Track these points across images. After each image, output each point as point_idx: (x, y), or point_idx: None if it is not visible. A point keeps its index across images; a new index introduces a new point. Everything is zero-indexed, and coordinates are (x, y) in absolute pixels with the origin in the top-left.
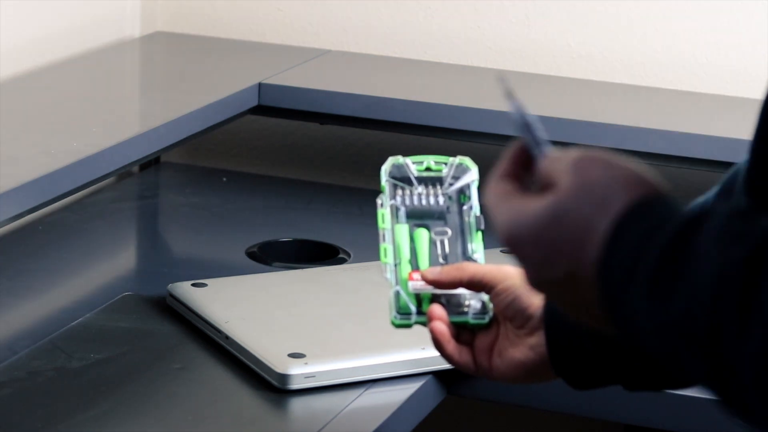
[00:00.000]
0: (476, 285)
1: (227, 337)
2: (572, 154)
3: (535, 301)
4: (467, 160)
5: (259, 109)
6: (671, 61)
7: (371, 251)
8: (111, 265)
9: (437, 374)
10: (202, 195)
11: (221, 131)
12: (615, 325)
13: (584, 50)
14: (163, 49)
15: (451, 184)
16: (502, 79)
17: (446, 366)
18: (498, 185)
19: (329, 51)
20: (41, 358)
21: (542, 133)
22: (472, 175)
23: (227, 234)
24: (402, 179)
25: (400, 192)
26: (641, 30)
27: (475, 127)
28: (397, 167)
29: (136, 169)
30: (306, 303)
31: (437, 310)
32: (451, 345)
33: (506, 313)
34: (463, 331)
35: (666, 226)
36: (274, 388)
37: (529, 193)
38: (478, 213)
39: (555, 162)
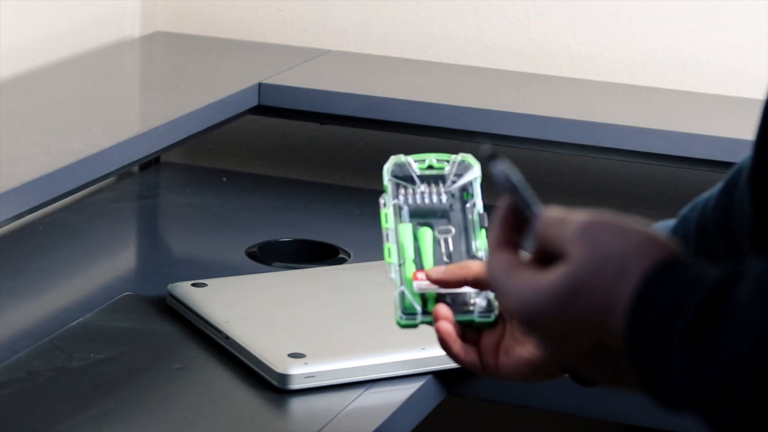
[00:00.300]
0: (481, 283)
1: (227, 337)
2: (577, 218)
3: None
4: (469, 157)
5: (259, 109)
6: (671, 61)
7: (371, 251)
8: (111, 265)
9: (437, 374)
10: (202, 195)
11: (221, 131)
12: (649, 391)
13: (584, 50)
14: (163, 49)
15: (453, 182)
16: (485, 146)
17: (446, 366)
18: (499, 257)
19: (329, 51)
20: (41, 358)
21: (530, 193)
22: (475, 172)
23: (227, 234)
24: (404, 178)
25: (402, 191)
26: (641, 30)
27: (475, 127)
28: (399, 166)
29: (136, 169)
30: (306, 303)
31: (443, 309)
32: (457, 344)
33: (511, 311)
34: (468, 330)
35: (696, 289)
36: (274, 388)
37: (536, 265)
38: (481, 210)
39: (558, 227)
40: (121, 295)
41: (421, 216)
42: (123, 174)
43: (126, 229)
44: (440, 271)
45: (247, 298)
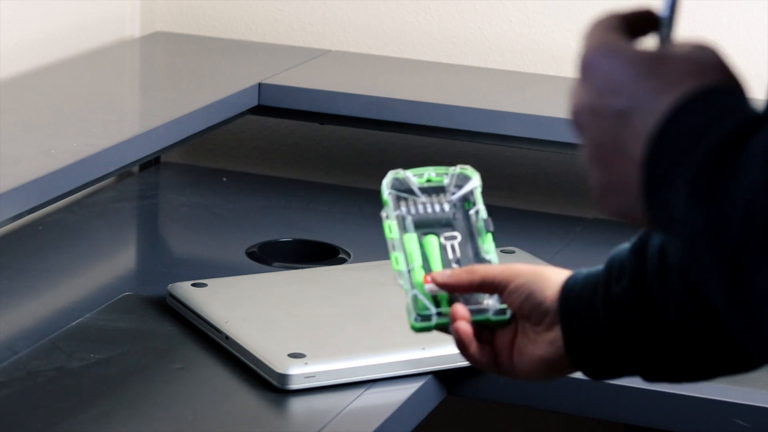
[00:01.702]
0: (488, 286)
1: (227, 337)
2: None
3: (549, 294)
4: (468, 169)
5: (259, 109)
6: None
7: (371, 251)
8: (111, 265)
9: (437, 374)
10: (202, 195)
11: (221, 131)
12: (648, 201)
13: None
14: (163, 49)
15: (453, 193)
16: None
17: (446, 366)
18: (603, 20)
19: (329, 51)
20: (41, 358)
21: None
22: (475, 182)
23: (227, 234)
24: (404, 191)
25: (404, 203)
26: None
27: (475, 127)
28: (398, 180)
29: (136, 169)
30: (306, 303)
31: (460, 309)
32: (474, 345)
33: (522, 311)
34: (483, 330)
35: (725, 120)
36: (274, 388)
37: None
38: (485, 216)
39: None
40: (121, 295)
41: (425, 226)
42: (123, 174)
43: (126, 229)
44: (446, 275)
45: (247, 298)
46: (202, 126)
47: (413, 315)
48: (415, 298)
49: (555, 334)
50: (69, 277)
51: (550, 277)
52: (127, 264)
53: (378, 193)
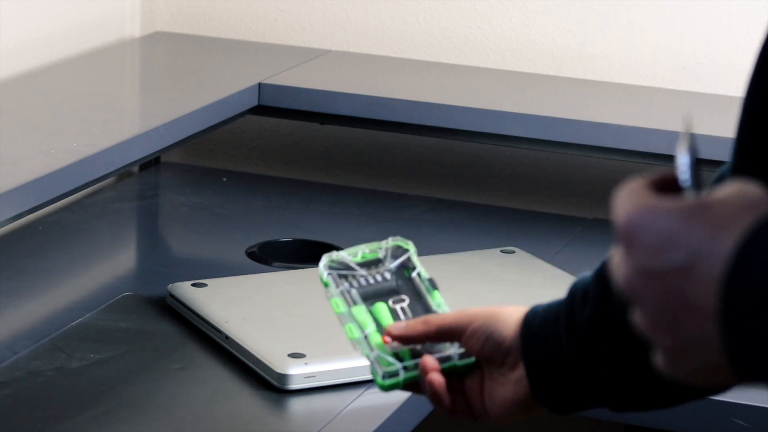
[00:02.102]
0: (445, 335)
1: (227, 337)
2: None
3: (507, 333)
4: (400, 240)
5: (259, 109)
6: (671, 61)
7: None
8: (111, 265)
9: None
10: (202, 195)
11: (221, 131)
12: (731, 345)
13: (584, 50)
14: (163, 49)
15: (391, 262)
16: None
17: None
18: (630, 186)
19: (329, 51)
20: (41, 358)
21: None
22: (410, 251)
23: (227, 234)
24: (342, 269)
25: (344, 280)
26: (641, 30)
27: (475, 127)
28: (334, 261)
29: (136, 169)
30: (306, 303)
31: (429, 360)
32: (447, 396)
33: (483, 354)
34: (451, 380)
35: None
36: (274, 388)
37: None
38: (428, 276)
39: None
40: (121, 295)
41: (371, 297)
42: (123, 174)
43: (126, 229)
44: (401, 326)
45: (247, 298)
46: (202, 126)
47: (380, 374)
48: (378, 358)
49: (519, 372)
50: (69, 277)
51: (506, 316)
52: (127, 264)
53: (378, 194)
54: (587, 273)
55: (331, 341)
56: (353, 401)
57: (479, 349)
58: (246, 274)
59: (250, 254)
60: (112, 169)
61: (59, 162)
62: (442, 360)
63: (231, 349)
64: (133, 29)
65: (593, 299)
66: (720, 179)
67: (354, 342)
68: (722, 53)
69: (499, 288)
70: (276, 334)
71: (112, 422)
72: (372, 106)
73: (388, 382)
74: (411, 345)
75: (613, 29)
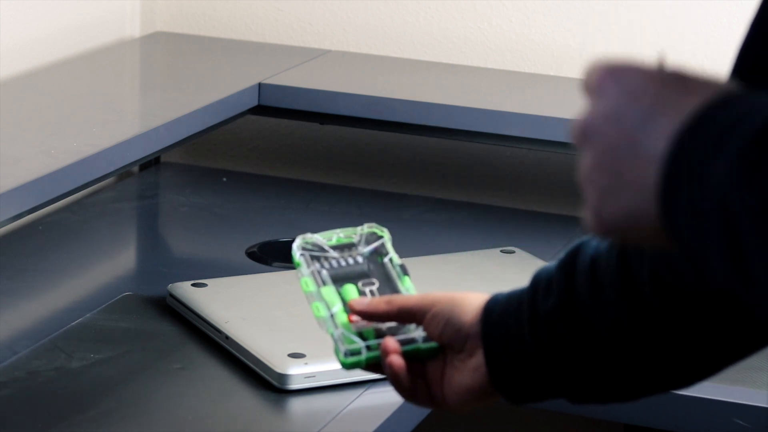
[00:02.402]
0: (407, 316)
1: (227, 337)
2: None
3: (467, 319)
4: (375, 227)
5: (259, 109)
6: (671, 60)
7: None
8: (111, 265)
9: None
10: (202, 195)
11: (221, 131)
12: (666, 193)
13: (584, 50)
14: (163, 49)
15: (365, 247)
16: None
17: None
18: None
19: (329, 51)
20: (41, 358)
21: None
22: (385, 237)
23: (227, 234)
24: (315, 251)
25: (316, 261)
26: (641, 30)
27: (475, 127)
28: (308, 243)
29: (136, 169)
30: (306, 303)
31: (390, 342)
32: (407, 379)
33: (443, 339)
34: (414, 364)
35: (762, 111)
36: (274, 388)
37: None
38: (400, 262)
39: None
40: (121, 295)
41: (341, 280)
42: (123, 174)
43: (126, 229)
44: (365, 302)
45: (247, 298)
46: (202, 126)
47: (342, 351)
48: (342, 336)
49: (478, 359)
50: (69, 277)
51: (467, 302)
52: (127, 264)
53: (378, 194)
54: (550, 264)
55: (331, 341)
56: (353, 401)
57: (439, 334)
58: (246, 274)
59: (250, 254)
60: (112, 169)
61: (59, 162)
62: (405, 342)
63: (231, 349)
64: (133, 29)
65: (557, 289)
66: None
67: (320, 320)
68: (722, 53)
69: (499, 288)
70: (276, 334)
71: (112, 422)
72: (372, 106)
73: (350, 360)
74: (375, 324)
75: (613, 29)
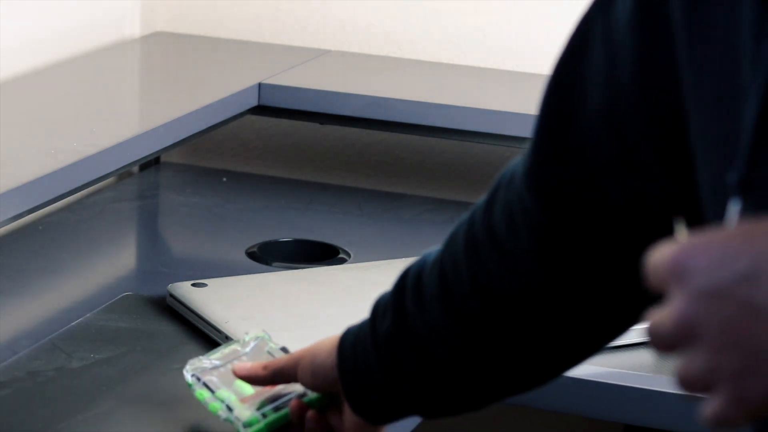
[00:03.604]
0: (282, 377)
1: (227, 337)
2: None
3: (329, 361)
4: (258, 333)
5: (259, 109)
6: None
7: (371, 251)
8: (111, 265)
9: None
10: (202, 195)
11: (221, 131)
12: None
13: None
14: (163, 49)
15: (247, 347)
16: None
17: None
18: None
19: (329, 51)
20: (41, 358)
21: None
22: (265, 337)
23: (227, 234)
24: (205, 368)
25: (207, 374)
26: None
27: (475, 127)
28: (197, 367)
29: (136, 169)
30: (306, 303)
31: (295, 402)
32: (326, 429)
33: (318, 387)
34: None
35: None
36: None
37: None
38: (281, 346)
39: None
40: (121, 295)
41: (232, 380)
42: (123, 174)
43: (126, 229)
44: (246, 368)
45: (247, 298)
46: (202, 126)
47: (240, 425)
48: (237, 415)
49: None
50: (69, 277)
51: (326, 346)
52: (127, 264)
53: (378, 194)
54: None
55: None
56: None
57: (313, 384)
58: (246, 274)
59: (250, 254)
60: (112, 169)
61: (59, 162)
62: (299, 397)
63: None
64: (133, 29)
65: (391, 311)
66: (502, 183)
67: (220, 415)
68: None
69: None
70: (276, 334)
71: (112, 422)
72: (372, 106)
73: (251, 429)
74: (258, 388)
75: None
